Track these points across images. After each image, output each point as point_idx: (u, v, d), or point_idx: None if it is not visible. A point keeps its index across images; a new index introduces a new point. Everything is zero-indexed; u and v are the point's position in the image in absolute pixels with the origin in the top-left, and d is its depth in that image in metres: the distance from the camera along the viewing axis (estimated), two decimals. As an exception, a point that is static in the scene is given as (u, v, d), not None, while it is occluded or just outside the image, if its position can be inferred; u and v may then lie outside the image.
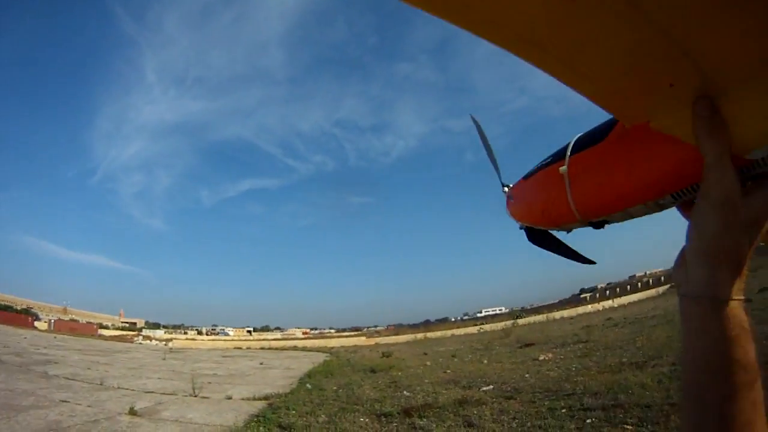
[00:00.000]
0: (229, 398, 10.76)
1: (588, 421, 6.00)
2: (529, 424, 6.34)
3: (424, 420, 7.39)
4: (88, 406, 8.88)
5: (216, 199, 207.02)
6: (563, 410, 6.78)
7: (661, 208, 0.89)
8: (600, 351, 13.35)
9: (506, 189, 1.62)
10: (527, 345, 20.10)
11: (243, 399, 10.59)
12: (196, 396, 10.91)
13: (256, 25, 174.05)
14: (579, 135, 1.07)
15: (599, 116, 0.94)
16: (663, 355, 9.92)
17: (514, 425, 6.48)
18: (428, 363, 18.65)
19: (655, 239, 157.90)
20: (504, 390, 9.41)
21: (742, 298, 0.69)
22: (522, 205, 1.38)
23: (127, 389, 11.71)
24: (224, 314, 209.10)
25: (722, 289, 0.68)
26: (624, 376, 8.30)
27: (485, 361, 16.30)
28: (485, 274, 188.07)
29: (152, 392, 11.46)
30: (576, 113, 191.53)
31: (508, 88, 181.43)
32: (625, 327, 20.57)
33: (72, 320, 73.89)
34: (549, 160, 1.17)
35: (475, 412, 7.55)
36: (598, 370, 9.81)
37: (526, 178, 1.35)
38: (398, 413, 8.02)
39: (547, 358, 14.08)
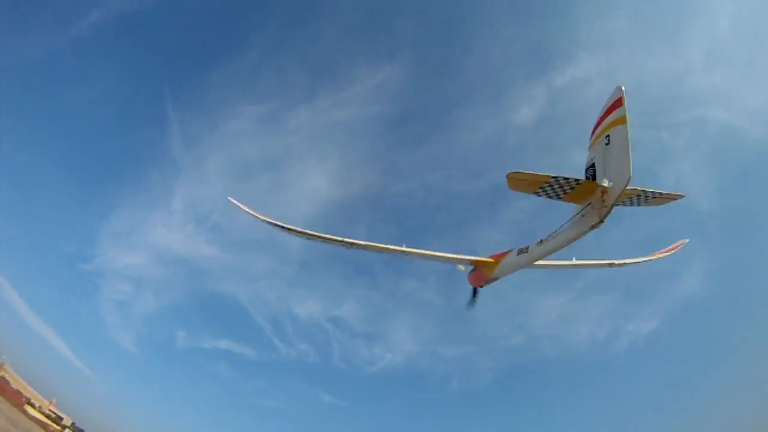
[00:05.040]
0: None
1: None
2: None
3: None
4: None
5: (190, 345, 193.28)
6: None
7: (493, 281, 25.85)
8: None
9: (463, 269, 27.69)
10: None
11: None
12: None
13: (285, 201, 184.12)
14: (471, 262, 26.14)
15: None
16: None
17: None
18: None
19: None
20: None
21: None
22: (470, 277, 26.88)
23: None
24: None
25: None
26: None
27: None
28: None
29: None
30: (570, 355, 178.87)
31: (506, 323, 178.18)
32: None
33: (3, 379, 60.20)
34: (473, 267, 26.26)
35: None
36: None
37: (471, 271, 26.52)
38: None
39: None
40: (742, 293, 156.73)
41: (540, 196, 16.58)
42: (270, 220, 24.11)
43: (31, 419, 39.27)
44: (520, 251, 21.81)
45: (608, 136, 16.57)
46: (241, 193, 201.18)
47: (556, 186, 16.30)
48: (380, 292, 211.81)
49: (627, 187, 15.65)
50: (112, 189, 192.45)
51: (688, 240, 29.34)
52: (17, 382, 79.96)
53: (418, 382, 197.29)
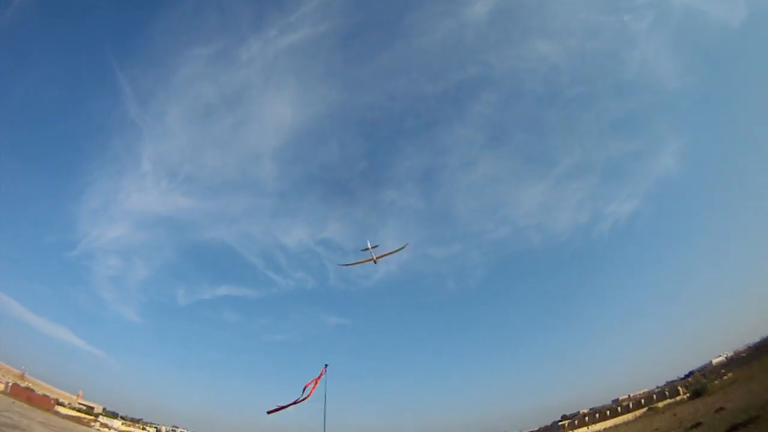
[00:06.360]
0: None
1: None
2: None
3: None
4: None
5: (192, 299, 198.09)
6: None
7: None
8: None
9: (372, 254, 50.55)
10: None
11: None
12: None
13: (253, 134, 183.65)
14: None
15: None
16: None
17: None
18: None
19: (641, 361, 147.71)
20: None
21: None
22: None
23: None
24: (186, 417, 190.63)
25: None
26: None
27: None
28: (466, 399, 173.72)
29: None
30: (556, 242, 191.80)
31: (490, 217, 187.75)
32: None
33: (28, 388, 66.29)
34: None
35: None
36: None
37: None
38: None
39: None
40: (716, 169, 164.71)
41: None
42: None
43: (64, 417, 44.80)
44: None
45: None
46: (206, 137, 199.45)
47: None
48: (361, 207, 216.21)
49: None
50: (79, 169, 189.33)
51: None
52: (42, 387, 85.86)
53: (414, 287, 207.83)
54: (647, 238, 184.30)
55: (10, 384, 58.52)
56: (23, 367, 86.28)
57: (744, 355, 75.10)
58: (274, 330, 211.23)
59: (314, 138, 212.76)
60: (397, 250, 55.33)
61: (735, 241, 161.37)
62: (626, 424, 52.80)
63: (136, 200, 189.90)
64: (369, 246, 42.98)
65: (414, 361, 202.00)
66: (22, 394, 54.52)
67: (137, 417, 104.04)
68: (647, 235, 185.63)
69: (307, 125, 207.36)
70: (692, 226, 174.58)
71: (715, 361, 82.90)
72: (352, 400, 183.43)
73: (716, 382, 48.27)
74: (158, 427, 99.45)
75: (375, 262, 48.16)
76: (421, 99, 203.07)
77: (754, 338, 78.10)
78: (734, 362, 72.71)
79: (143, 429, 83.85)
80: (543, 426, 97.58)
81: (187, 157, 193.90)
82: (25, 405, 37.87)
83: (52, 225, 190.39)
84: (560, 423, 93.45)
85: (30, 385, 77.14)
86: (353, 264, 50.99)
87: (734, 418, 14.46)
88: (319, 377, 10.17)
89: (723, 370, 66.58)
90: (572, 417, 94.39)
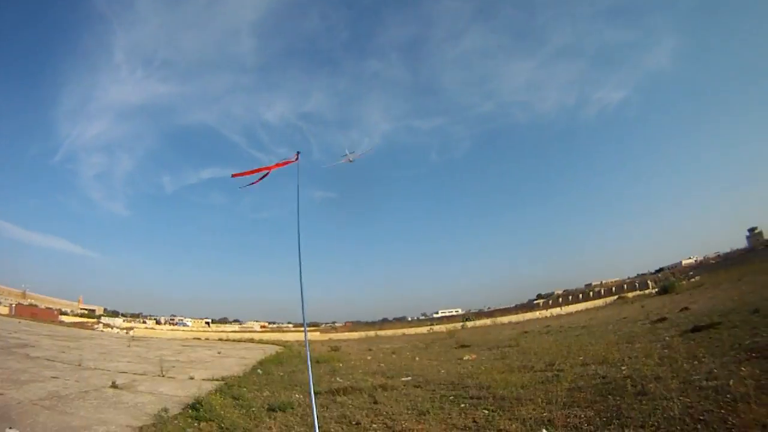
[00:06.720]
0: (192, 378, 12.92)
1: (462, 405, 8.18)
2: (419, 405, 8.60)
3: (344, 397, 9.75)
4: (76, 381, 10.90)
5: (178, 186, 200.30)
6: (450, 397, 8.97)
7: None
8: (515, 356, 15.48)
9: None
10: (462, 346, 22.60)
11: (203, 379, 12.77)
12: (163, 376, 13.02)
13: (229, 10, 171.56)
14: None
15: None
16: (556, 362, 11.97)
17: (408, 404, 8.80)
18: (369, 357, 21.12)
19: (616, 251, 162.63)
20: (417, 381, 11.74)
21: None
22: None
23: (103, 369, 13.69)
24: (183, 305, 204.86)
25: None
26: (510, 376, 10.42)
27: (417, 358, 18.81)
28: (447, 274, 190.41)
29: (125, 372, 13.47)
30: (542, 121, 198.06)
31: (476, 91, 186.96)
32: (552, 335, 22.92)
33: (32, 305, 73.10)
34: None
35: (385, 394, 9.90)
36: (499, 370, 11.93)
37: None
38: (326, 392, 10.38)
39: (470, 359, 16.47)
40: (710, 73, 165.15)
41: None
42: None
43: (68, 326, 50.26)
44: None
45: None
46: (180, 18, 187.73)
47: None
48: (345, 78, 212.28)
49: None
50: (50, 71, 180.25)
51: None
52: (44, 301, 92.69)
53: (398, 158, 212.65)
54: (634, 129, 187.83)
55: (14, 305, 63.57)
56: (24, 286, 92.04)
57: (713, 262, 77.91)
58: (262, 207, 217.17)
59: (294, 8, 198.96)
60: (368, 151, 64.24)
61: (724, 146, 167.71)
62: (597, 308, 53.33)
63: (113, 93, 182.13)
64: (346, 153, 52.71)
65: (398, 235, 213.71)
66: (26, 312, 59.72)
67: (136, 312, 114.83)
68: (634, 125, 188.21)
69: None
70: (682, 123, 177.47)
71: (684, 262, 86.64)
72: (340, 275, 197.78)
73: (684, 282, 48.76)
74: (157, 318, 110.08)
75: (351, 162, 57.03)
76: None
77: (725, 248, 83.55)
78: (703, 267, 73.89)
79: (143, 323, 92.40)
80: (519, 303, 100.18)
81: (162, 42, 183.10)
82: (32, 322, 43.90)
83: (32, 135, 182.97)
84: (536, 302, 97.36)
85: (32, 301, 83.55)
86: (332, 165, 62.37)
87: (697, 320, 14.58)
88: (287, 162, 10.01)
89: (691, 272, 65.96)
90: (547, 297, 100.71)
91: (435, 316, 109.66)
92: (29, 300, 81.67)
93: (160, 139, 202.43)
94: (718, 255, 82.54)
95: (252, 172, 10.54)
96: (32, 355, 15.61)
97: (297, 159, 9.95)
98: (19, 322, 37.87)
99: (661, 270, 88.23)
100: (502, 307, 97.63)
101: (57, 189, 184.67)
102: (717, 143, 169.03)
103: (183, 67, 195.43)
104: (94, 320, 73.53)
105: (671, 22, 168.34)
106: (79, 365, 14.07)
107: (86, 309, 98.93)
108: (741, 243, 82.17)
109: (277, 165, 10.53)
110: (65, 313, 78.74)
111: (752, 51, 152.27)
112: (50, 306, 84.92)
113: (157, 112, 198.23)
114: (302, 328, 7.40)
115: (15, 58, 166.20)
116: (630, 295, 62.18)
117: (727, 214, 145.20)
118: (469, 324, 53.90)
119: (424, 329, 57.71)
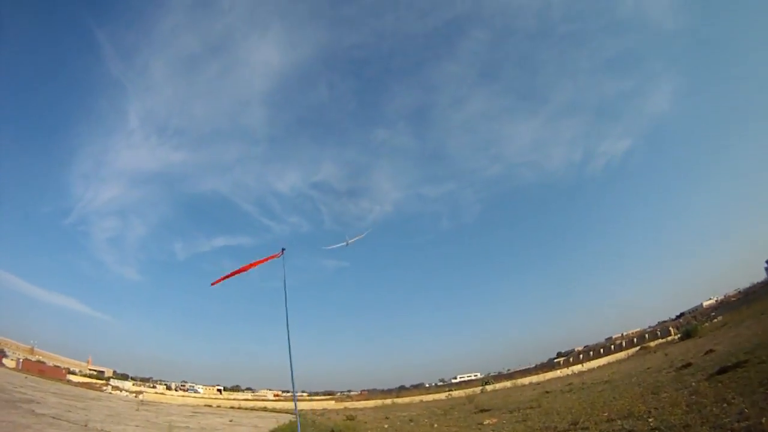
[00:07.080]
0: (203, 446, 12.01)
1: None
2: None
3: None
4: (83, 442, 10.17)
5: (190, 253, 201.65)
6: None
7: None
8: (537, 417, 14.99)
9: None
10: (483, 411, 21.72)
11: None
12: (173, 442, 12.14)
13: (240, 81, 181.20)
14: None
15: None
16: (580, 420, 11.46)
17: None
18: (386, 426, 19.93)
19: (634, 301, 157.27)
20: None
21: None
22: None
23: (110, 432, 12.89)
24: (194, 371, 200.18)
25: None
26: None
27: (435, 425, 17.76)
28: (464, 339, 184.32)
29: (133, 436, 12.65)
30: (550, 179, 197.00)
31: (483, 155, 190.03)
32: (575, 393, 21.91)
33: (39, 361, 71.98)
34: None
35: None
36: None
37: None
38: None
39: (491, 423, 15.74)
40: (711, 110, 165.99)
41: None
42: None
43: (76, 385, 49.11)
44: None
45: None
46: (193, 88, 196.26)
47: None
48: (354, 147, 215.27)
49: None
50: (64, 134, 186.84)
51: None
52: (52, 358, 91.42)
53: (409, 226, 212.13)
54: (641, 177, 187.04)
55: (21, 360, 62.75)
56: (32, 342, 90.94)
57: (734, 299, 73.74)
58: (273, 277, 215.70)
59: (303, 80, 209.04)
60: (361, 236, 71.97)
61: (729, 183, 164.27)
62: (619, 362, 51.79)
63: (126, 158, 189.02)
64: (346, 239, 62.20)
65: (412, 302, 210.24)
66: (33, 368, 58.76)
67: (146, 376, 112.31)
68: (641, 174, 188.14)
69: (295, 67, 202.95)
70: (687, 166, 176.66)
71: (705, 303, 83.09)
72: (354, 343, 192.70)
73: (706, 324, 46.88)
74: (168, 383, 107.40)
75: (347, 245, 64.86)
76: (410, 37, 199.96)
77: (744, 284, 78.94)
78: (724, 306, 70.89)
79: (153, 387, 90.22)
80: (539, 363, 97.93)
81: (175, 110, 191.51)
82: (39, 378, 43.01)
83: (44, 195, 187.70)
84: (556, 360, 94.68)
85: (40, 357, 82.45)
86: (332, 247, 67.37)
87: (723, 361, 14.16)
88: (270, 258, 10.11)
89: (713, 313, 64.49)
90: (567, 354, 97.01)
91: (453, 381, 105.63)
92: (37, 356, 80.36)
93: (173, 206, 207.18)
94: (739, 291, 78.93)
95: (231, 274, 11.15)
96: (37, 411, 14.93)
97: (281, 255, 10.55)
98: (26, 377, 37.11)
99: (681, 315, 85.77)
100: (522, 368, 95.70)
101: (68, 249, 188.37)
102: (726, 176, 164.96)
103: (196, 136, 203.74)
104: (103, 382, 72.15)
105: (668, 64, 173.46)
106: (86, 426, 13.36)
107: (95, 370, 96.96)
108: (760, 275, 77.54)
109: (259, 261, 11.17)
110: (73, 373, 77.20)
111: (751, 82, 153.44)
112: (58, 364, 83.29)
113: (171, 179, 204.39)
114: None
115: (32, 118, 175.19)
116: (652, 344, 60.27)
117: (743, 247, 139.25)
118: (489, 387, 51.87)
119: (442, 395, 55.72)
